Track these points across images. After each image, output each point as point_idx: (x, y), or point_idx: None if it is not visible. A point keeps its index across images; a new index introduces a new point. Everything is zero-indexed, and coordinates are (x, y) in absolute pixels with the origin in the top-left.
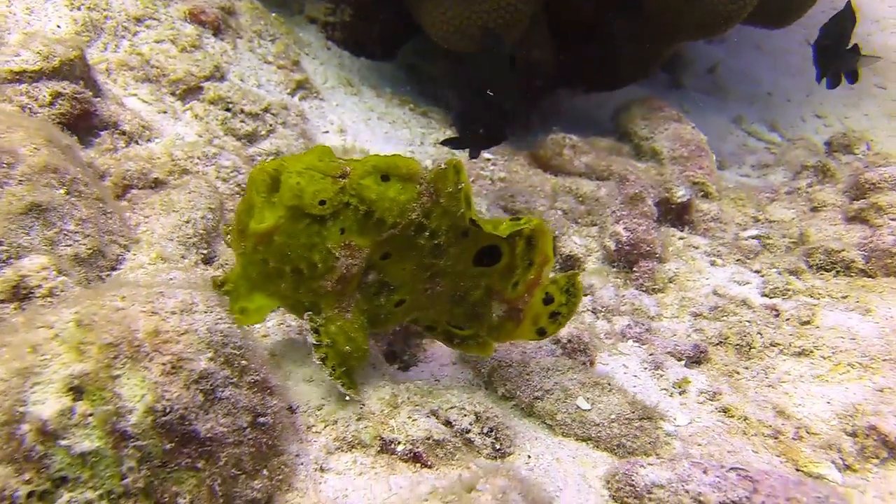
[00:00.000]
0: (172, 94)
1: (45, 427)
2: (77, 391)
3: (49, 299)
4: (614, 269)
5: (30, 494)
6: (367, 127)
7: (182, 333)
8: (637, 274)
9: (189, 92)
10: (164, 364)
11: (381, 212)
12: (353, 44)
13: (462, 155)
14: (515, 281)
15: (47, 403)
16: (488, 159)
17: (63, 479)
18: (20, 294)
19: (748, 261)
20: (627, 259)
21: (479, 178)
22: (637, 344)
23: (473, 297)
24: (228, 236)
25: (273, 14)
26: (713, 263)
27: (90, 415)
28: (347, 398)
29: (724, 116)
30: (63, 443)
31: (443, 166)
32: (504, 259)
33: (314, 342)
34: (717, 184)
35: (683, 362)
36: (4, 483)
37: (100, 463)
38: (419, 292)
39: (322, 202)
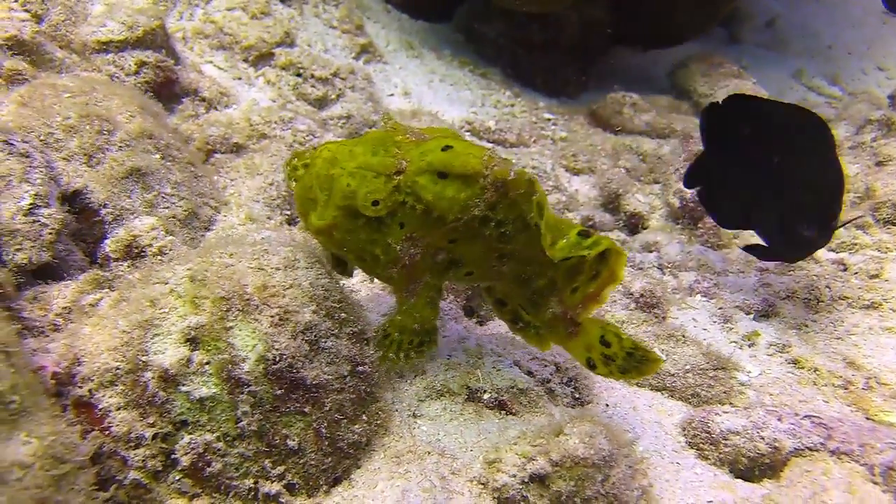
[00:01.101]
0: (245, 60)
1: (166, 374)
2: (193, 342)
3: (159, 257)
4: (678, 226)
5: (154, 436)
6: (430, 89)
7: (287, 287)
8: (702, 230)
9: (261, 58)
10: (272, 316)
11: (439, 211)
12: (412, 6)
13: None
14: (576, 286)
15: (167, 353)
16: (549, 119)
17: (184, 423)
18: (133, 252)
19: None
20: (692, 216)
21: (541, 138)
22: (705, 298)
23: (537, 283)
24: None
25: None
26: None
27: (207, 363)
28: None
29: (783, 71)
30: (183, 389)
31: (512, 175)
32: (572, 260)
33: (381, 346)
34: None
35: (752, 316)
36: (131, 426)
37: (216, 407)
38: (487, 268)
39: (375, 203)
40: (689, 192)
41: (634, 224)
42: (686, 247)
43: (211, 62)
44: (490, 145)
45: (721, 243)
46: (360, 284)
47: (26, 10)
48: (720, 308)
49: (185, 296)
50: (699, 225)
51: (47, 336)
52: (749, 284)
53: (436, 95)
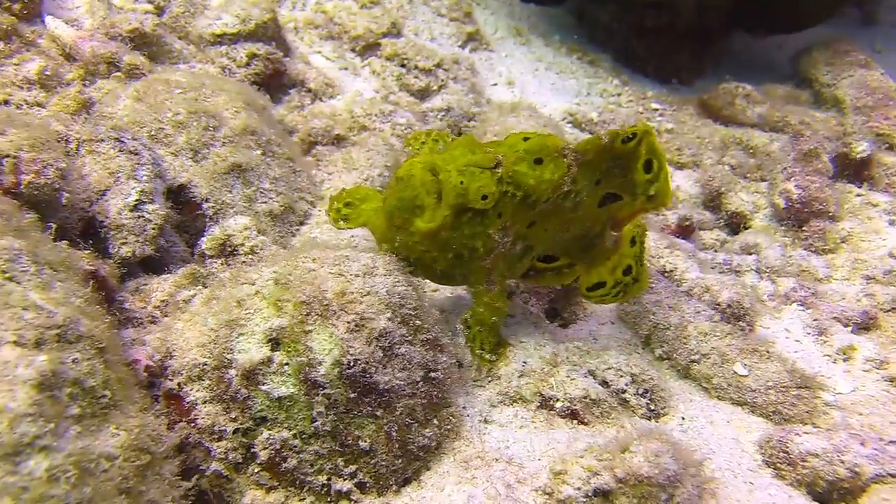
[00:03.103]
0: (353, 50)
1: (249, 373)
2: (275, 343)
3: (251, 256)
4: (782, 228)
5: (236, 430)
6: (535, 78)
7: (365, 294)
8: (807, 233)
9: (368, 48)
10: (349, 322)
11: (538, 194)
12: None
13: None
14: (637, 198)
15: (251, 352)
16: (656, 109)
17: (263, 419)
18: (226, 251)
19: None
20: (798, 217)
21: None
22: (802, 307)
23: (594, 230)
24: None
25: None
26: (893, 223)
27: (286, 364)
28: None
29: None
30: (264, 387)
31: (605, 140)
32: (625, 203)
33: (466, 335)
34: None
35: (850, 328)
36: (215, 419)
37: (294, 406)
38: (552, 241)
39: (485, 197)
40: (796, 193)
41: (736, 224)
42: (788, 251)
43: (319, 52)
44: None
45: (827, 248)
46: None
47: (150, 2)
48: (815, 319)
49: (269, 298)
50: (804, 227)
51: (145, 328)
52: (852, 293)
53: (540, 84)
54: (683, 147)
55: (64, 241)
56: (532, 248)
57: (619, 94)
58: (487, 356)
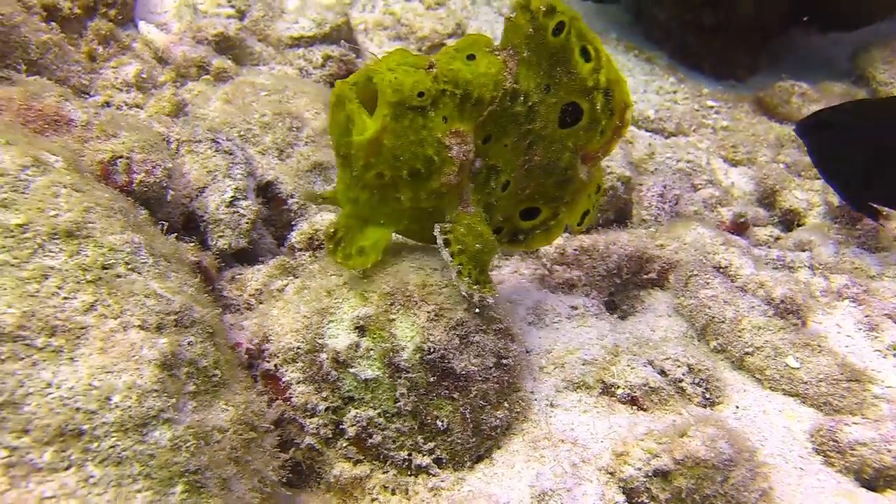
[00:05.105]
0: (419, 50)
1: (338, 357)
2: (362, 330)
3: None
4: (836, 225)
5: (327, 408)
6: None
7: (444, 287)
8: (860, 231)
9: (433, 49)
10: (429, 312)
11: (478, 90)
12: None
13: None
14: (602, 130)
15: (340, 338)
16: (711, 106)
17: (351, 399)
18: (314, 244)
19: None
20: (851, 215)
21: (701, 126)
22: (854, 304)
23: (563, 160)
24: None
25: None
26: None
27: (372, 349)
28: (489, 300)
29: None
30: (352, 370)
31: (511, 15)
32: (585, 116)
33: (448, 255)
34: None
35: None
36: (308, 398)
37: (378, 388)
38: (519, 168)
39: (421, 94)
40: None
41: (790, 221)
42: (841, 248)
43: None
44: (648, 135)
45: (880, 245)
46: (508, 274)
47: (231, 6)
48: (867, 315)
49: (356, 288)
50: (857, 225)
51: (242, 314)
52: None
53: None
54: (739, 144)
55: (172, 235)
56: (498, 171)
57: (675, 92)
58: (474, 286)
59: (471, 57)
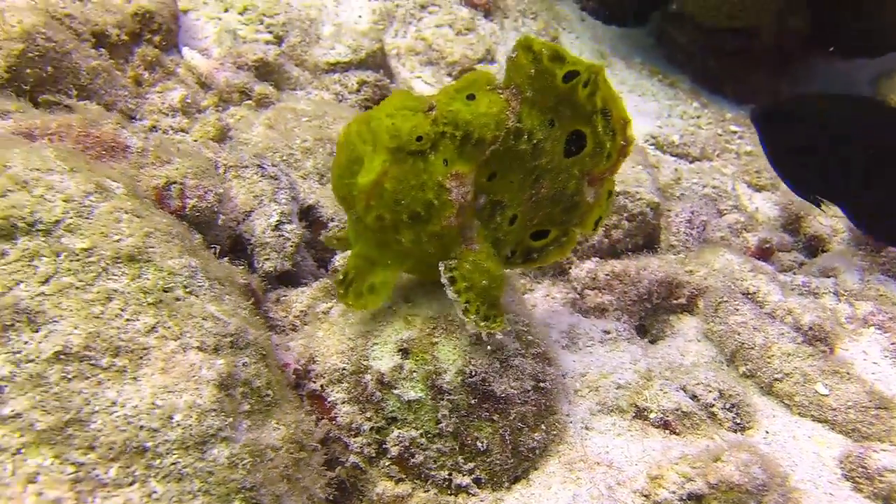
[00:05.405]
0: (449, 74)
1: (382, 378)
2: (405, 352)
3: None
4: (861, 252)
5: (371, 428)
6: None
7: None
8: (885, 258)
9: (464, 73)
10: (471, 335)
11: (478, 130)
12: (606, 13)
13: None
14: (608, 154)
15: (384, 360)
16: (735, 131)
17: (394, 419)
18: None
19: None
20: (876, 243)
21: (725, 151)
22: (880, 331)
23: (570, 188)
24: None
25: None
26: None
27: (415, 371)
28: (498, 336)
29: None
30: (395, 391)
31: (512, 55)
32: (589, 141)
33: (453, 294)
34: None
35: None
36: (353, 418)
37: (421, 409)
38: (526, 202)
39: (419, 138)
40: None
41: (814, 247)
42: (866, 274)
43: (420, 77)
44: (673, 159)
45: None
46: (541, 298)
47: (269, 32)
48: (893, 343)
49: (399, 312)
50: (882, 252)
51: (287, 335)
52: None
53: None
54: (763, 170)
55: (224, 259)
56: (503, 206)
57: (698, 117)
58: (482, 323)
59: (471, 97)
